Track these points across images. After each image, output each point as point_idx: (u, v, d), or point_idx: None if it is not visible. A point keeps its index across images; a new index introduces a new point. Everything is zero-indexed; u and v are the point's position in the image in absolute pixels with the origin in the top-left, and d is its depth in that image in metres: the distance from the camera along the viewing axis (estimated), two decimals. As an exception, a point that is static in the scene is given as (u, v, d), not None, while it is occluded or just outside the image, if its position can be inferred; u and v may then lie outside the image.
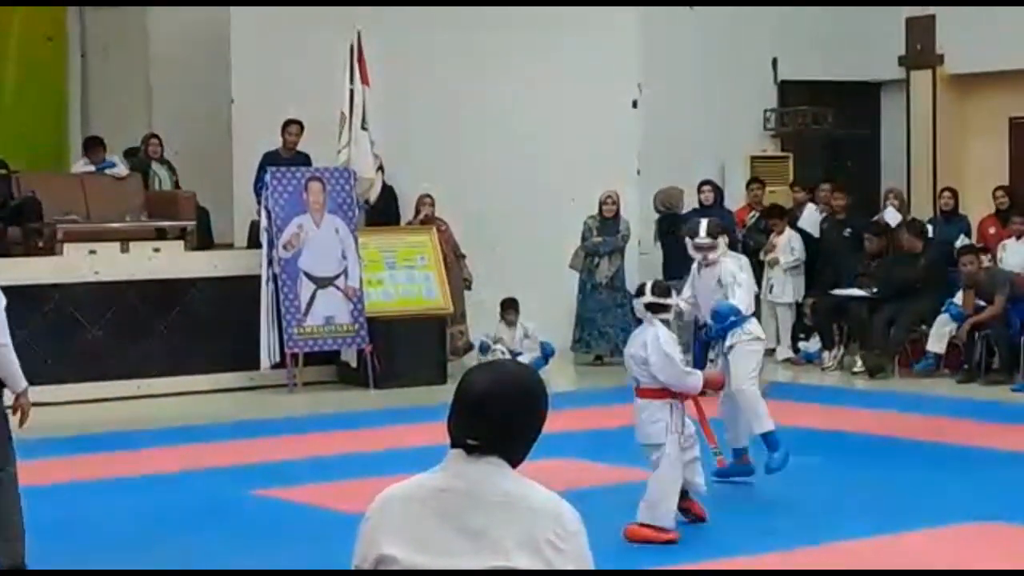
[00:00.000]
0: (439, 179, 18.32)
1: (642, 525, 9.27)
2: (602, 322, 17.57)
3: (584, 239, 17.71)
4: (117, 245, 15.87)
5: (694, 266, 10.84)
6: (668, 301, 9.61)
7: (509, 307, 17.13)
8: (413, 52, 19.07)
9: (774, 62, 19.56)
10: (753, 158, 19.34)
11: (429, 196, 17.71)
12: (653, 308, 9.54)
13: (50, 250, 15.65)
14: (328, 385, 16.43)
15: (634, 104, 18.59)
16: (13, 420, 8.32)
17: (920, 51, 19.72)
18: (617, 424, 11.41)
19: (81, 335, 15.36)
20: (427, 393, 15.13)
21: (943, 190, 18.35)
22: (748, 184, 18.57)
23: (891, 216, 17.78)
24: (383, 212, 17.93)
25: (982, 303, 16.14)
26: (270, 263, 15.95)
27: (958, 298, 16.24)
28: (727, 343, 10.56)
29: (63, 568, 8.80)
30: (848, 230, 17.75)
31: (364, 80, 16.54)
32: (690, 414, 9.59)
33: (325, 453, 12.46)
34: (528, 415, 3.64)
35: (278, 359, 15.87)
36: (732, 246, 11.51)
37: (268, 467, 11.84)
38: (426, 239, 17.09)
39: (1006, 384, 15.74)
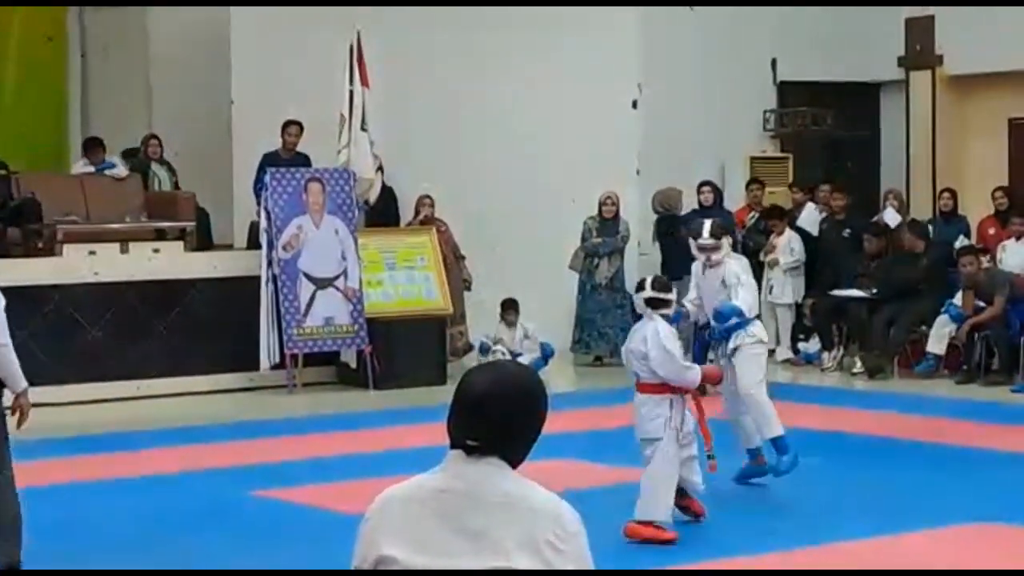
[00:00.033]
0: (439, 179, 18.32)
1: (640, 523, 9.28)
2: (602, 323, 17.57)
3: (584, 240, 17.71)
4: (117, 246, 15.86)
5: (695, 266, 10.82)
6: (668, 296, 9.64)
7: (509, 308, 17.13)
8: (413, 52, 19.08)
9: (773, 63, 19.56)
10: (753, 159, 19.34)
11: (429, 197, 17.71)
12: (653, 303, 9.57)
13: (50, 251, 15.65)
14: (328, 386, 16.43)
15: (634, 105, 18.59)
16: (12, 421, 8.32)
17: (920, 52, 19.72)
18: (616, 425, 11.41)
19: (81, 336, 15.36)
20: (427, 394, 15.13)
21: (942, 191, 18.35)
22: (748, 185, 18.57)
23: (891, 217, 17.78)
24: (383, 213, 17.92)
25: (981, 304, 16.14)
26: (270, 264, 15.95)
27: (957, 299, 16.24)
28: (731, 345, 10.50)
29: (63, 568, 8.80)
30: (848, 231, 17.75)
31: (364, 81, 16.54)
32: (690, 412, 9.59)
33: (325, 454, 12.46)
34: (528, 416, 3.64)
35: (278, 360, 15.87)
36: (732, 247, 11.46)
37: (268, 468, 11.84)
38: (426, 240, 17.09)
39: (1005, 385, 15.74)
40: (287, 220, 16.06)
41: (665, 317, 9.59)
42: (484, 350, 16.71)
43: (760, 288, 16.95)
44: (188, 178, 18.97)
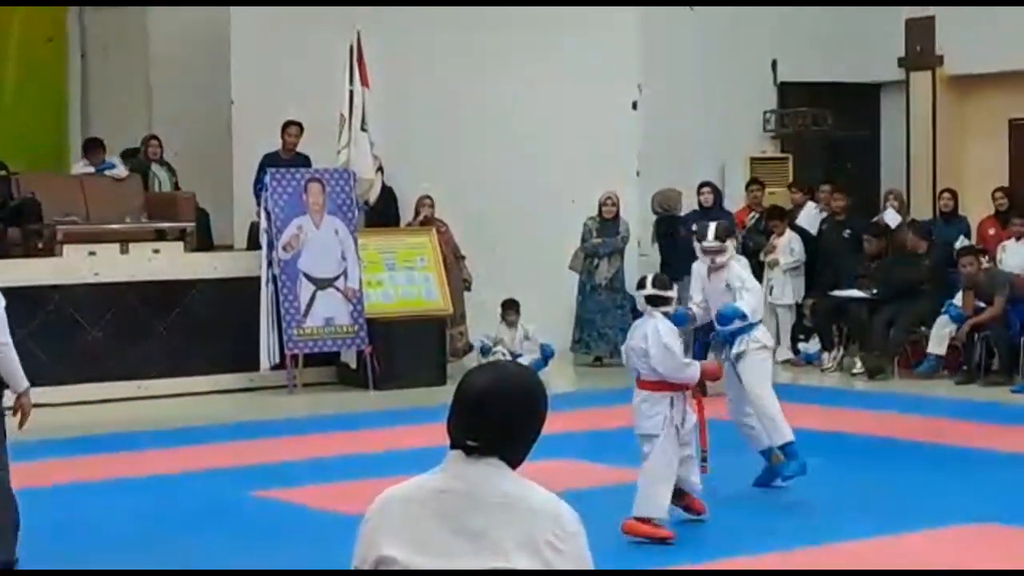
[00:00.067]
0: (439, 179, 18.32)
1: (638, 520, 9.28)
2: (601, 323, 17.57)
3: (584, 240, 17.71)
4: (117, 246, 15.86)
5: (695, 266, 10.80)
6: (668, 294, 9.66)
7: (510, 308, 17.13)
8: (413, 52, 19.08)
9: (774, 64, 19.56)
10: (753, 159, 19.34)
11: (429, 197, 17.71)
12: (654, 301, 9.58)
13: (50, 251, 15.64)
14: (328, 386, 16.43)
15: (634, 106, 18.59)
16: (13, 421, 8.32)
17: (920, 52, 19.72)
18: (616, 425, 11.41)
19: (81, 336, 15.36)
20: (427, 394, 15.13)
21: (943, 191, 18.35)
22: (748, 185, 18.56)
23: (891, 217, 17.79)
24: (383, 213, 17.92)
25: (982, 304, 16.14)
26: (270, 264, 15.95)
27: (958, 299, 16.24)
28: (735, 351, 10.44)
29: (63, 568, 8.80)
30: (848, 231, 17.75)
31: (364, 82, 16.54)
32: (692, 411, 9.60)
33: (325, 454, 12.46)
34: (528, 416, 3.64)
35: (278, 360, 15.88)
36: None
37: (268, 468, 11.84)
38: (426, 240, 17.09)
39: (1005, 385, 15.74)
40: (287, 220, 16.06)
41: (665, 315, 9.60)
42: (485, 351, 16.71)
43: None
44: (188, 178, 18.97)
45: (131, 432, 13.58)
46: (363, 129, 16.54)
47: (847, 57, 19.62)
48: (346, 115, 16.48)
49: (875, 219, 17.96)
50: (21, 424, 8.33)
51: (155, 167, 18.55)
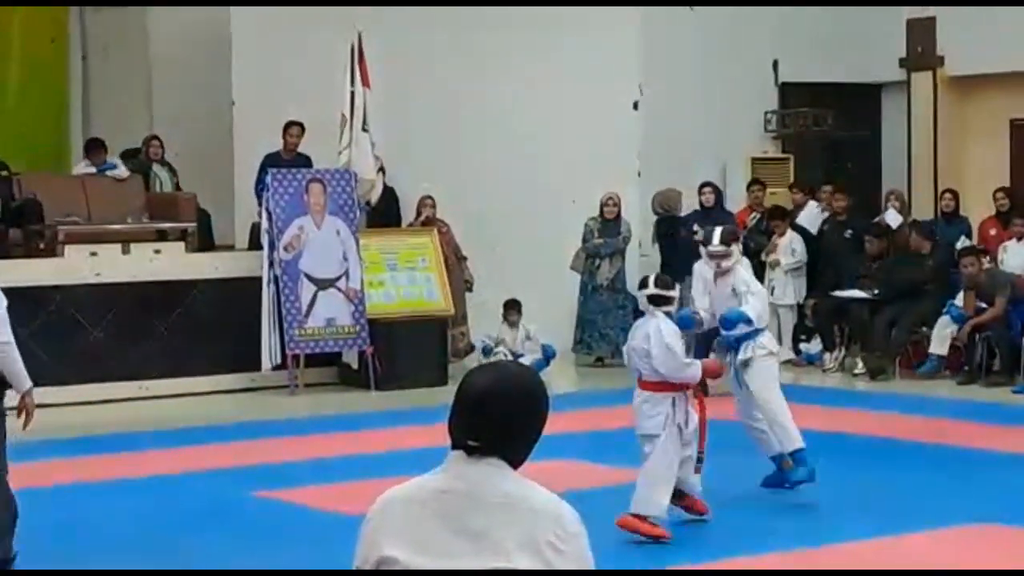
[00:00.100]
0: (439, 179, 18.31)
1: (635, 516, 9.28)
2: (603, 324, 17.57)
3: (585, 241, 17.71)
4: (118, 247, 15.86)
5: (696, 266, 10.78)
6: (670, 293, 9.66)
7: (511, 308, 17.13)
8: (413, 52, 19.08)
9: (775, 64, 19.56)
10: (754, 160, 19.34)
11: (430, 198, 17.70)
12: (656, 300, 9.58)
13: (51, 252, 15.64)
14: (329, 387, 16.43)
15: (635, 106, 18.59)
16: (17, 422, 8.32)
17: (921, 53, 19.72)
18: (618, 425, 11.41)
19: (82, 337, 15.36)
20: (428, 395, 15.13)
21: (944, 192, 18.35)
22: (749, 186, 18.55)
23: (892, 218, 17.79)
24: (384, 214, 17.92)
25: (983, 305, 16.14)
26: (271, 265, 15.96)
27: (959, 300, 16.24)
28: (741, 357, 10.36)
29: (64, 568, 8.80)
30: (849, 232, 17.75)
31: (365, 82, 16.54)
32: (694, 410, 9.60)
33: (326, 455, 12.46)
34: (529, 416, 3.64)
35: (279, 361, 15.87)
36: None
37: (269, 468, 11.84)
38: (427, 241, 17.09)
39: (1007, 386, 15.74)
40: (288, 221, 16.06)
41: (667, 314, 9.60)
42: (487, 351, 16.71)
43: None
44: (189, 179, 18.97)
45: (132, 432, 13.58)
46: (364, 130, 16.54)
47: (848, 57, 19.62)
48: (347, 116, 16.48)
49: (876, 219, 17.96)
50: (25, 424, 8.33)
51: (156, 167, 18.55)
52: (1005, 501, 10.40)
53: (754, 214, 18.27)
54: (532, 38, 18.71)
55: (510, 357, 16.07)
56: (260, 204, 16.44)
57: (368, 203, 17.05)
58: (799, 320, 17.92)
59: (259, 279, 15.92)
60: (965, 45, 19.14)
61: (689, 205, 17.72)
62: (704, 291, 10.58)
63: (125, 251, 15.86)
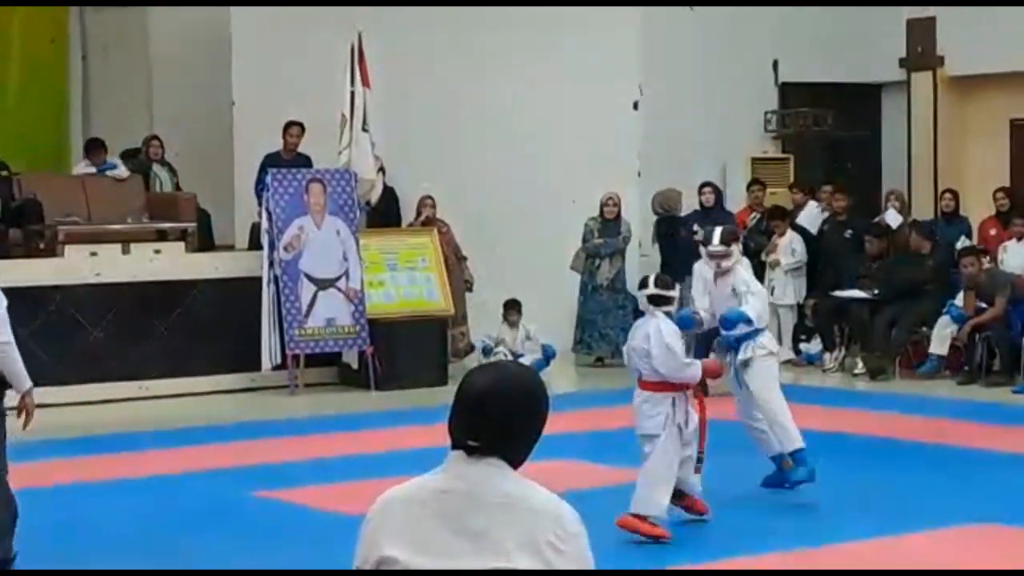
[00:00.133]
0: (439, 179, 18.31)
1: (635, 516, 9.28)
2: (603, 324, 17.57)
3: (585, 241, 17.71)
4: (118, 247, 15.86)
5: (696, 266, 10.78)
6: (671, 293, 9.66)
7: (512, 308, 17.13)
8: (413, 52, 19.08)
9: (775, 64, 19.56)
10: (754, 160, 19.34)
11: (430, 198, 17.70)
12: (656, 300, 9.58)
13: (51, 252, 15.64)
14: (329, 387, 16.43)
15: (635, 106, 18.59)
16: (17, 422, 8.32)
17: (921, 53, 19.72)
18: (618, 425, 11.41)
19: (82, 337, 15.36)
20: (428, 395, 15.13)
21: (944, 192, 18.35)
22: (749, 186, 18.55)
23: (892, 218, 17.78)
24: (384, 214, 17.92)
25: (983, 305, 16.14)
26: (271, 265, 15.96)
27: (959, 300, 16.24)
28: (741, 357, 10.34)
29: (64, 568, 8.80)
30: (849, 232, 17.75)
31: (365, 82, 16.54)
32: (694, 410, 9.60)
33: (326, 455, 12.46)
34: (529, 416, 3.64)
35: (279, 361, 15.87)
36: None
37: (269, 468, 11.84)
38: (427, 241, 17.09)
39: (1007, 386, 15.74)
40: (288, 221, 16.07)
41: (667, 314, 9.61)
42: (487, 352, 16.71)
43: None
44: (189, 179, 18.97)
45: (132, 432, 13.58)
46: (364, 130, 16.54)
47: (848, 57, 19.62)
48: (347, 116, 16.49)
49: (876, 219, 17.96)
50: (26, 424, 8.33)
51: (156, 167, 18.55)
52: (1005, 501, 10.40)
53: (754, 214, 18.27)
54: (532, 38, 18.71)
55: (510, 357, 16.07)
56: (260, 204, 16.44)
57: (368, 203, 17.05)
58: (799, 320, 17.92)
59: (259, 279, 15.92)
60: (965, 45, 19.14)
61: (689, 205, 17.72)
62: (704, 291, 10.58)
63: (125, 251, 15.86)
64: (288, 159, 17.06)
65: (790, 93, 19.69)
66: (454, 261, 17.49)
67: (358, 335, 16.19)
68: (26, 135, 22.03)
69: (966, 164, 19.71)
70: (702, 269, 10.61)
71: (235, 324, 15.85)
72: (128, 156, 18.44)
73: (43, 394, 9.77)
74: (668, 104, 18.59)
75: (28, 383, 8.30)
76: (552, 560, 3.49)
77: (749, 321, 10.20)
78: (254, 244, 17.10)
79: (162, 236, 16.49)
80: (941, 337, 16.25)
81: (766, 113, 19.63)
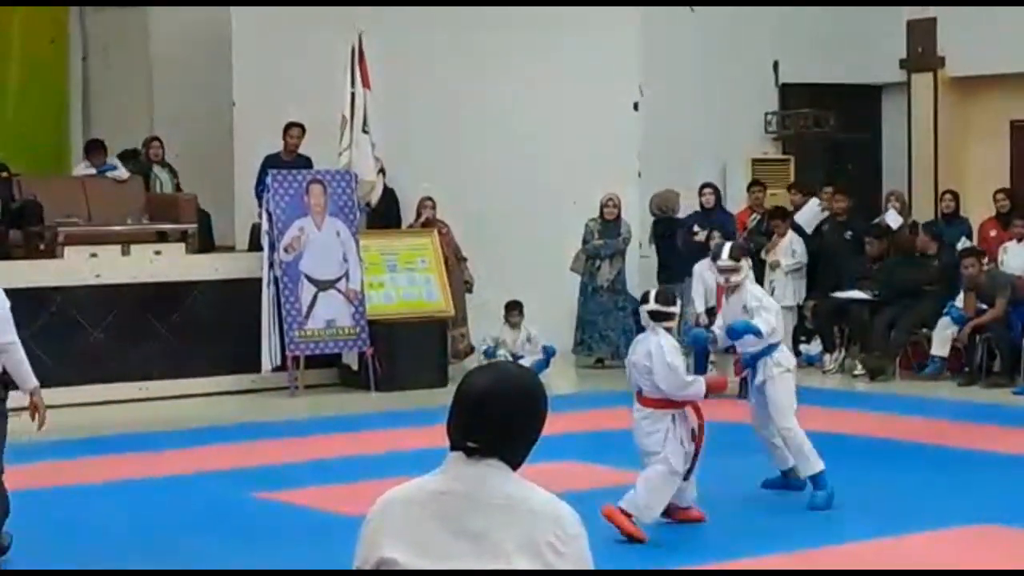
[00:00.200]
0: (439, 179, 18.32)
1: (621, 510, 9.24)
2: (603, 325, 17.56)
3: (585, 242, 17.70)
4: (118, 248, 15.86)
5: (696, 267, 10.77)
6: (671, 309, 9.63)
7: (514, 309, 17.12)
8: (413, 52, 19.08)
9: (775, 65, 19.56)
10: (754, 160, 19.33)
11: (430, 199, 17.70)
12: (656, 316, 9.55)
13: (51, 253, 15.64)
14: (329, 388, 16.42)
15: (635, 106, 18.59)
16: (31, 424, 8.30)
17: (921, 54, 19.72)
18: (618, 426, 11.40)
19: (82, 338, 15.35)
20: (428, 396, 15.13)
21: (944, 193, 18.34)
22: (749, 187, 18.54)
23: (892, 219, 17.78)
24: (384, 215, 17.92)
25: (983, 306, 16.14)
26: (271, 266, 15.95)
27: (959, 301, 16.24)
28: (759, 379, 10.28)
29: (64, 569, 8.80)
30: (849, 233, 17.74)
31: (365, 83, 16.54)
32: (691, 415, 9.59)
33: (326, 456, 12.45)
34: (528, 417, 3.64)
35: (279, 362, 15.87)
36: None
37: (269, 470, 11.84)
38: (427, 242, 17.09)
39: (1007, 387, 15.74)
40: (288, 222, 16.06)
41: (668, 330, 9.59)
42: (488, 354, 16.69)
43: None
44: (189, 180, 18.98)
45: (132, 433, 13.58)
46: (364, 131, 16.54)
47: (848, 58, 19.62)
48: (347, 117, 16.48)
49: (876, 220, 17.95)
50: (40, 424, 8.31)
51: (156, 168, 18.55)
52: (1005, 502, 10.40)
53: (754, 215, 18.25)
54: (532, 38, 18.72)
55: (510, 359, 16.07)
56: (260, 205, 16.44)
57: (368, 204, 17.04)
58: (799, 321, 17.90)
59: (259, 280, 15.91)
60: (965, 46, 19.14)
61: (689, 206, 17.70)
62: (703, 292, 10.58)
63: (125, 252, 15.85)
64: (288, 160, 17.06)
65: (790, 94, 19.69)
66: (454, 262, 17.48)
67: (358, 336, 16.18)
68: (26, 136, 22.04)
69: (966, 165, 19.70)
70: (702, 270, 10.60)
71: (235, 325, 15.85)
72: (125, 157, 18.44)
73: (43, 395, 9.75)
74: (668, 105, 18.59)
75: (34, 381, 8.29)
76: (552, 561, 3.49)
77: (758, 333, 10.13)
78: (254, 245, 17.10)
79: (162, 237, 16.49)
80: (942, 339, 16.24)
81: (766, 114, 19.63)
